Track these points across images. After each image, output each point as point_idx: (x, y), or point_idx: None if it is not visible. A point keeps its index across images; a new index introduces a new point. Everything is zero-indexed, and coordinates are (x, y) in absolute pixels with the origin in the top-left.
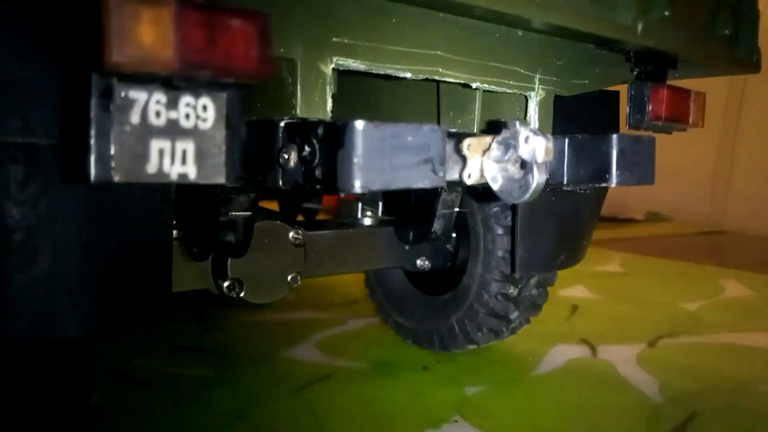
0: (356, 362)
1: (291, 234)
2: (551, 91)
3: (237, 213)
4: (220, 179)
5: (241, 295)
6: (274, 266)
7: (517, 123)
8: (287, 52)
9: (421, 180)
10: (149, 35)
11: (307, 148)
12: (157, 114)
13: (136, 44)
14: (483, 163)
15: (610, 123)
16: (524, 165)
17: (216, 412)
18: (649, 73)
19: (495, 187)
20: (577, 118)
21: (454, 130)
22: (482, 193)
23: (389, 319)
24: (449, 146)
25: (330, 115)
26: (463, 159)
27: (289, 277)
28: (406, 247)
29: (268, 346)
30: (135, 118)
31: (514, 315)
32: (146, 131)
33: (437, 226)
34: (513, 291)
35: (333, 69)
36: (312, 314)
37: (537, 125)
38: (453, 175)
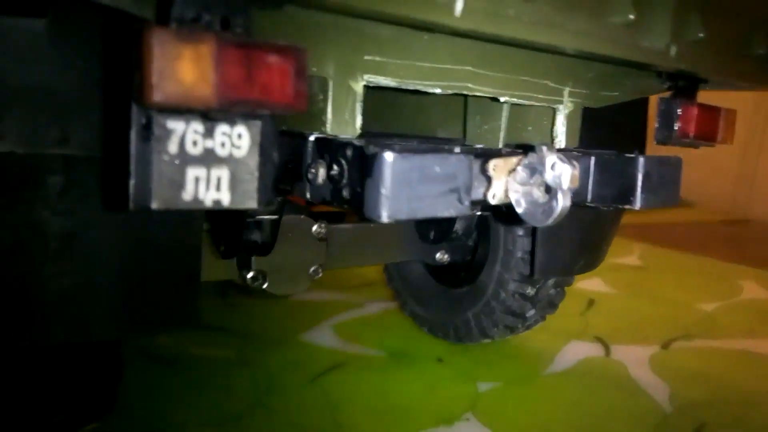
0: (372, 350)
1: (314, 228)
2: (580, 103)
3: (264, 216)
4: (252, 204)
5: (264, 286)
6: (297, 259)
7: (545, 148)
8: (319, 70)
9: (446, 209)
10: (189, 74)
11: (335, 168)
12: (194, 143)
13: (176, 83)
14: (508, 184)
15: (638, 130)
16: (549, 190)
17: (236, 397)
18: (680, 88)
19: (519, 210)
20: (605, 125)
21: (480, 146)
22: (506, 212)
23: (406, 306)
24: (475, 167)
25: (359, 131)
26: (488, 179)
27: (311, 270)
28: None
29: (287, 328)
30: (173, 147)
31: (530, 313)
32: (184, 160)
33: (458, 225)
34: (530, 291)
35: (363, 86)
36: (330, 295)
37: (564, 138)
38: (477, 195)
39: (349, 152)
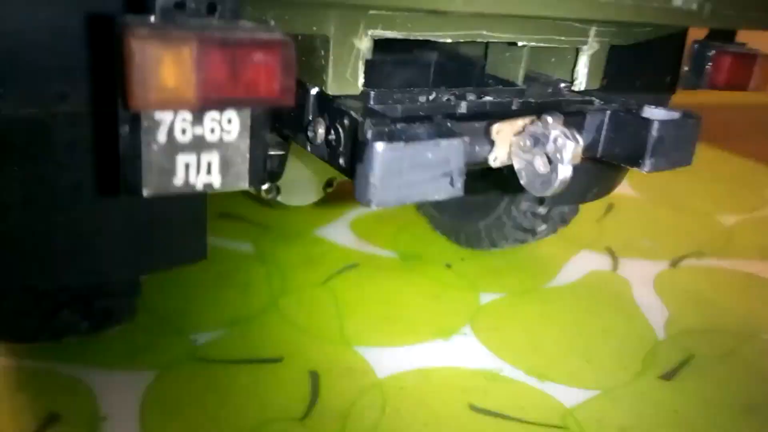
0: (385, 251)
1: None
2: (607, 42)
3: (272, 152)
4: (244, 185)
5: (278, 198)
6: (311, 172)
7: (550, 119)
8: (319, 29)
9: (437, 193)
10: (171, 78)
11: (333, 133)
12: (183, 131)
13: (157, 88)
14: (511, 149)
15: (670, 66)
16: (550, 161)
17: (252, 296)
18: (716, 32)
19: (520, 178)
20: (634, 61)
21: (490, 98)
22: (506, 175)
23: (421, 206)
24: (479, 127)
25: (361, 89)
26: (491, 142)
27: (325, 182)
28: None
29: (305, 221)
30: (162, 137)
31: (541, 228)
32: (173, 148)
33: None
34: (542, 210)
35: (368, 41)
36: (351, 186)
37: (585, 79)
38: (478, 157)
39: (346, 122)
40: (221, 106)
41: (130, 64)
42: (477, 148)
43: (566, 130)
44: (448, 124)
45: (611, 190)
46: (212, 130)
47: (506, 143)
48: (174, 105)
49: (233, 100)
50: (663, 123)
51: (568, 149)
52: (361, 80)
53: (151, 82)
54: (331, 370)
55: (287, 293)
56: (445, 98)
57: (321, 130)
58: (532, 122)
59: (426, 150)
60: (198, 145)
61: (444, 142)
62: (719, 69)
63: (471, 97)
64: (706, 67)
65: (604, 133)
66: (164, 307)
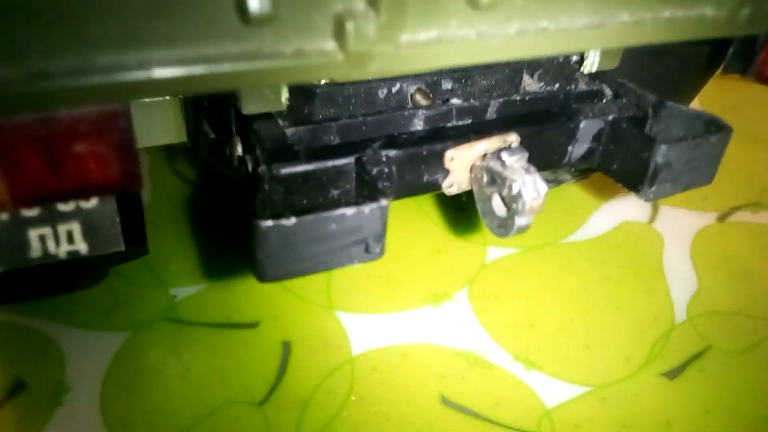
0: None
1: None
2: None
3: None
4: (120, 248)
5: None
6: None
7: (510, 159)
8: None
9: (349, 260)
10: None
11: (249, 165)
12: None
13: None
14: (470, 176)
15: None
16: (508, 206)
17: None
18: None
19: (479, 211)
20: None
21: (458, 101)
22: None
23: None
24: (430, 154)
25: (285, 106)
26: (445, 171)
27: None
28: None
29: None
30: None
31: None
32: (19, 224)
33: None
34: None
35: None
36: None
37: (598, 60)
38: (430, 185)
39: (256, 158)
40: (45, 201)
41: None
42: (428, 175)
43: (527, 176)
44: (371, 172)
45: None
46: (65, 201)
47: (465, 170)
48: None
49: (60, 194)
50: (671, 147)
51: (525, 199)
52: (284, 96)
53: None
54: (305, 340)
55: None
56: (409, 95)
57: (237, 151)
58: (494, 153)
59: (328, 222)
60: (51, 217)
61: (352, 211)
62: None
63: (447, 85)
64: (756, 57)
65: (602, 144)
66: (154, 252)
